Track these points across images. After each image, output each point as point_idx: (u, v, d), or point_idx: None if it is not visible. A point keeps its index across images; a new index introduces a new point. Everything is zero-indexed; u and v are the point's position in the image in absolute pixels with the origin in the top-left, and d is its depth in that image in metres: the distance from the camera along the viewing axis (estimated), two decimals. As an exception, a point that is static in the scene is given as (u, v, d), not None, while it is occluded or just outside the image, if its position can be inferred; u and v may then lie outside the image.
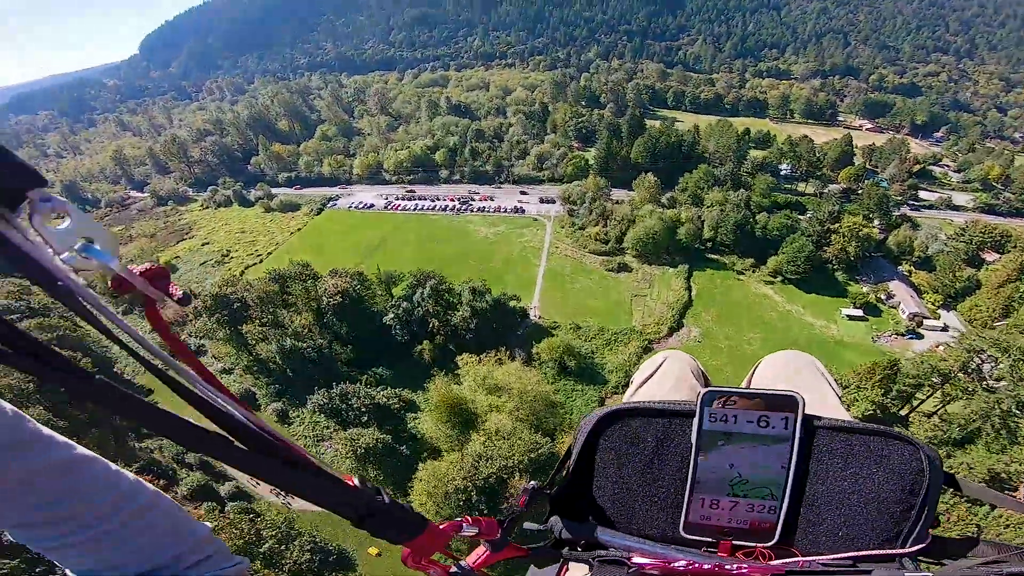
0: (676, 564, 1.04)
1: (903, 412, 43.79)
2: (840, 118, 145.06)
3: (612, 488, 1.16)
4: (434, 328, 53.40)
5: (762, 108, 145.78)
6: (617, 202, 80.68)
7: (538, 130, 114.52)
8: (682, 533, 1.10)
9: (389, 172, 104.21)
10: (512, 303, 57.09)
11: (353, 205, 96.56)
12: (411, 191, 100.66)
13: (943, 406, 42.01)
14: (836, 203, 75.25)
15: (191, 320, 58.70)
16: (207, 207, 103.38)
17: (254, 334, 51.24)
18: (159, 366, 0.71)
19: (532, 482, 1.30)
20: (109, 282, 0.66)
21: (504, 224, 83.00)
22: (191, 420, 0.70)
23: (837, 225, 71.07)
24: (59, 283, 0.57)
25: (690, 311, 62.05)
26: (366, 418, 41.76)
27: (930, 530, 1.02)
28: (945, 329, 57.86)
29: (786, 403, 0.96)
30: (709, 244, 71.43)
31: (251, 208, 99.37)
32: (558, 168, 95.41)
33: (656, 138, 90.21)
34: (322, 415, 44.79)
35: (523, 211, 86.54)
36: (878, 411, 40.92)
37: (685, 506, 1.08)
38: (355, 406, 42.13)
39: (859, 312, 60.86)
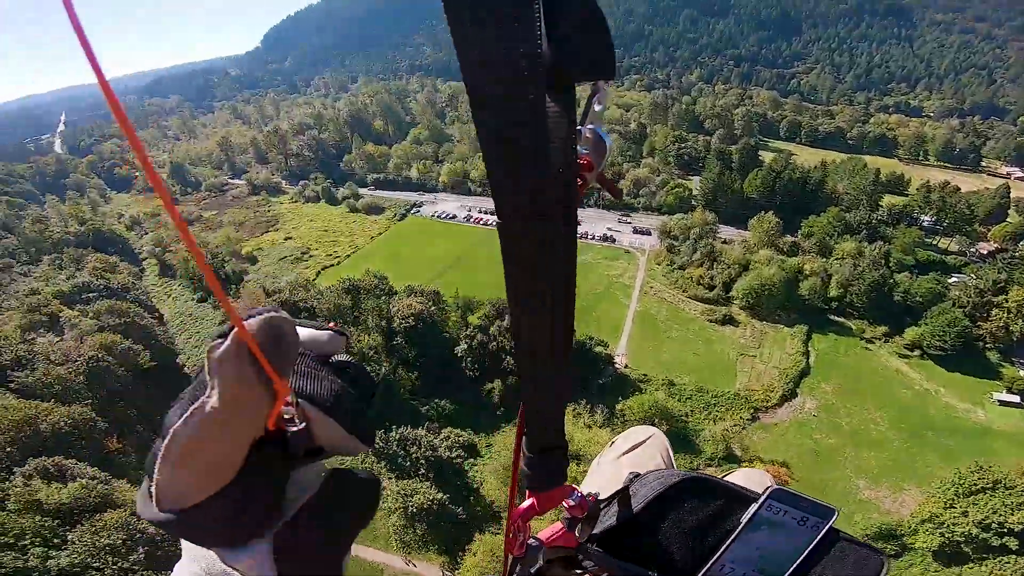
0: None
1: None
2: (983, 163, 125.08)
3: (653, 537, 1.25)
4: (508, 366, 47.70)
5: (890, 146, 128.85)
6: (726, 241, 71.47)
7: (634, 153, 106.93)
8: None
9: (475, 183, 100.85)
10: (598, 348, 50.24)
11: (436, 214, 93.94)
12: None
13: None
14: (1003, 270, 61.73)
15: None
16: (296, 201, 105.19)
17: None
18: None
19: (597, 491, 1.40)
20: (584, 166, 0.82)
21: (591, 253, 76.16)
22: None
23: (1003, 297, 57.97)
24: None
25: (806, 380, 52.56)
26: (423, 470, 36.61)
27: None
28: None
29: (826, 512, 1.11)
30: (834, 304, 60.63)
31: (337, 207, 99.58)
32: (656, 196, 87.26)
33: (777, 172, 79.70)
34: (374, 458, 40.36)
35: (614, 240, 79.30)
36: None
37: (704, 570, 1.19)
38: (413, 455, 37.11)
39: (1016, 398, 50.12)
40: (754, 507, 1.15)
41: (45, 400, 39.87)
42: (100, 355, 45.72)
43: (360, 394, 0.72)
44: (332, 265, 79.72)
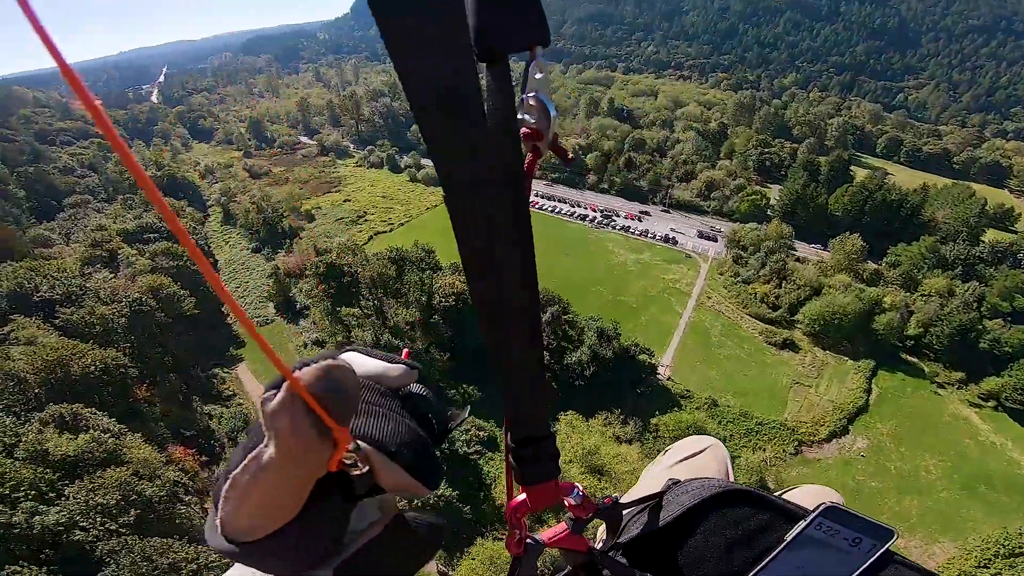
0: None
1: None
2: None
3: (686, 555, 1.20)
4: (550, 364, 45.41)
5: (1002, 176, 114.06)
6: (800, 260, 65.25)
7: (711, 153, 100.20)
8: None
9: (539, 168, 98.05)
10: (642, 356, 46.86)
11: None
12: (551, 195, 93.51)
13: None
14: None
15: (306, 274, 57.92)
16: (360, 165, 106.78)
17: (353, 318, 47.75)
18: None
19: (618, 494, 1.34)
20: (522, 132, 0.73)
21: (649, 252, 71.93)
22: None
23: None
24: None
25: (862, 417, 47.61)
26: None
27: None
28: None
29: (883, 534, 1.03)
30: (910, 343, 54.09)
31: (399, 175, 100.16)
32: (729, 201, 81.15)
33: (869, 191, 71.71)
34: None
35: (676, 242, 74.53)
36: None
37: None
38: None
39: (1091, 461, 43.20)
40: (802, 524, 1.07)
41: (85, 340, 40.49)
42: (144, 297, 46.55)
43: (429, 433, 0.70)
44: (384, 232, 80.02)
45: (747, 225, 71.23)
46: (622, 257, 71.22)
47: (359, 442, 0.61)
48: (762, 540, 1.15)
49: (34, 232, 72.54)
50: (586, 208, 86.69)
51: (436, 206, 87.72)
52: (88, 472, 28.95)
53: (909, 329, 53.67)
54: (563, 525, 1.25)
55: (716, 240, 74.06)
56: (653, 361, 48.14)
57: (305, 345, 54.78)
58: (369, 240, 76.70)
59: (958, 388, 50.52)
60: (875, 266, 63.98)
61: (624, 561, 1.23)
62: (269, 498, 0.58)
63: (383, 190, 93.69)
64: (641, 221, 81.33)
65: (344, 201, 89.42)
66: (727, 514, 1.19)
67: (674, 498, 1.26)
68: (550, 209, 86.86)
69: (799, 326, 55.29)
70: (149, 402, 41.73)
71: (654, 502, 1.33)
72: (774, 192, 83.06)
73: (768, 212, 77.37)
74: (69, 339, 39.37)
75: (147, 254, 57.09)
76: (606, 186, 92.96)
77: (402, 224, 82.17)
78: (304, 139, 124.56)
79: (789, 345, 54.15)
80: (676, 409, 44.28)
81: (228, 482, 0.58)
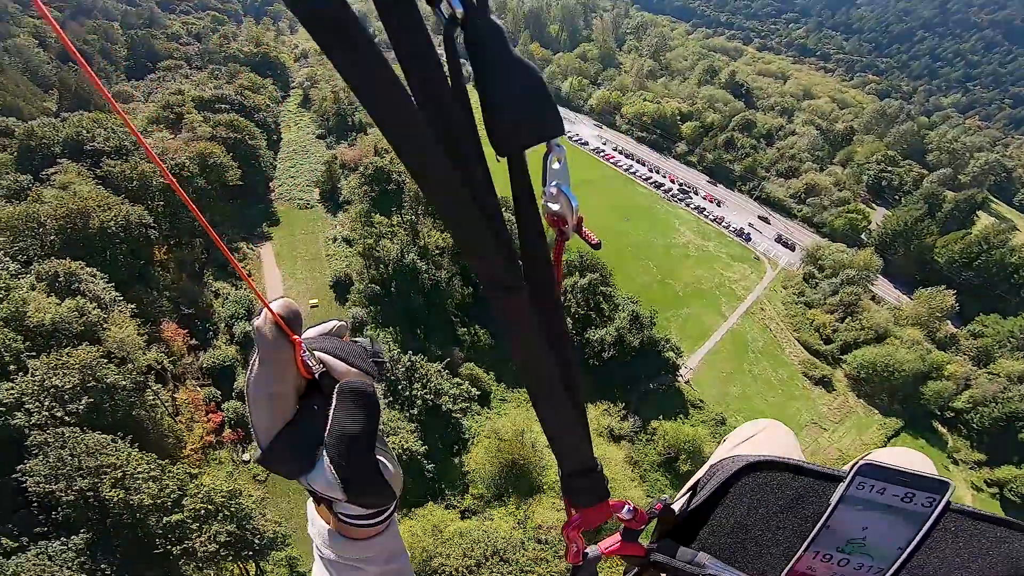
0: None
1: None
2: None
3: (732, 526, 1.22)
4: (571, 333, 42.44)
5: None
6: (876, 298, 57.13)
7: (825, 155, 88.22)
8: None
9: (624, 119, 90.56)
10: (668, 353, 42.85)
11: (569, 134, 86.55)
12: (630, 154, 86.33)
13: None
14: None
15: (358, 169, 56.87)
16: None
17: (382, 227, 46.17)
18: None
19: (666, 495, 1.39)
20: (548, 218, 0.85)
21: (716, 242, 65.43)
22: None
23: None
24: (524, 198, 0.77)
25: None
26: (416, 411, 33.47)
27: None
28: None
29: (937, 486, 0.99)
30: (949, 414, 48.36)
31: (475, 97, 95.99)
32: (825, 212, 71.58)
33: (986, 246, 60.34)
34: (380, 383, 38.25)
35: (749, 239, 67.40)
36: None
37: (796, 558, 1.11)
38: (415, 392, 33.78)
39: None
40: (841, 487, 1.04)
41: (118, 194, 40.19)
42: (188, 162, 46.01)
43: (364, 348, 0.95)
44: (446, 148, 77.54)
45: (834, 244, 62.96)
46: (686, 238, 65.36)
47: (318, 353, 0.88)
48: (806, 505, 1.14)
49: (119, 88, 75.55)
50: (664, 177, 79.77)
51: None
52: (58, 346, 27.62)
53: (957, 401, 47.96)
54: (617, 536, 1.33)
55: (794, 249, 66.33)
56: (678, 361, 44.31)
57: (334, 240, 54.54)
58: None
59: (971, 468, 46.11)
60: (954, 330, 55.40)
61: (675, 545, 1.25)
62: (269, 396, 0.83)
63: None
64: (720, 206, 74.03)
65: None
66: (764, 484, 1.19)
67: (709, 478, 1.29)
68: (626, 167, 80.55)
69: (844, 366, 50.06)
70: (164, 266, 41.50)
71: (694, 486, 1.36)
72: (878, 216, 72.49)
73: (863, 236, 67.71)
74: (105, 190, 39.31)
75: (211, 122, 57.32)
76: (695, 160, 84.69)
77: (469, 145, 79.26)
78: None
79: (825, 383, 49.04)
80: (682, 417, 40.82)
81: (246, 393, 0.84)
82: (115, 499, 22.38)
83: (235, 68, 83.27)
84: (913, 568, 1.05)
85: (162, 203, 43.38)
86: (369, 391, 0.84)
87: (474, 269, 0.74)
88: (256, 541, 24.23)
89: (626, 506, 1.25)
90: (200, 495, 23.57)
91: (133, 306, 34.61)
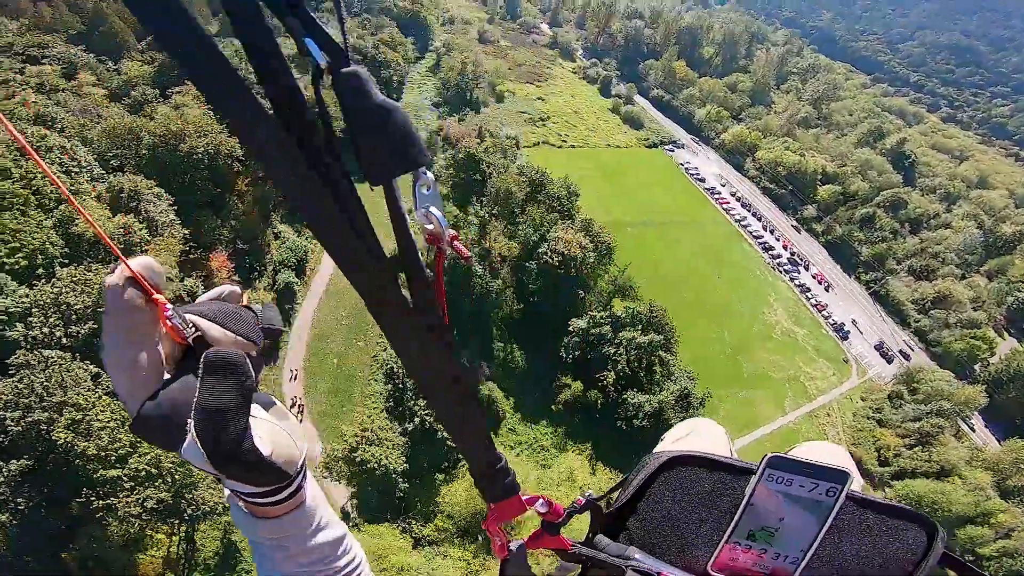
0: None
1: None
2: None
3: (659, 520, 1.26)
4: (604, 381, 36.97)
5: None
6: (959, 434, 48.36)
7: (975, 259, 72.85)
8: (710, 571, 1.20)
9: (755, 163, 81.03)
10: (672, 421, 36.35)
11: (685, 163, 79.09)
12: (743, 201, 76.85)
13: None
14: None
15: (456, 147, 54.76)
16: (576, 73, 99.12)
17: (453, 217, 43.72)
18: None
19: (590, 491, 1.42)
20: (426, 237, 0.91)
21: (808, 331, 56.10)
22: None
23: None
24: (403, 223, 0.83)
25: None
26: (411, 427, 30.89)
27: None
28: None
29: (838, 476, 1.07)
30: (970, 558, 39.47)
31: (604, 99, 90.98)
32: (945, 330, 58.65)
33: None
34: (385, 381, 35.12)
35: (847, 336, 57.41)
36: None
37: (719, 549, 1.18)
38: (414, 405, 31.36)
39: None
40: (753, 480, 1.12)
41: (222, 121, 39.47)
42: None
43: (255, 314, 0.93)
44: (553, 145, 73.57)
45: (940, 372, 51.97)
46: (776, 317, 56.61)
47: (191, 316, 0.82)
48: (724, 498, 1.21)
49: (275, 22, 78.77)
50: (778, 240, 70.07)
51: (619, 147, 77.83)
52: (87, 259, 26.92)
53: (987, 548, 39.64)
54: (539, 530, 1.38)
55: (891, 362, 55.68)
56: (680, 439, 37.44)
57: (409, 211, 52.56)
58: (533, 146, 70.89)
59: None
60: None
61: (608, 540, 1.29)
62: (128, 357, 0.77)
63: (579, 106, 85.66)
64: (828, 291, 63.51)
65: (536, 99, 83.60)
66: (686, 478, 1.25)
67: (636, 474, 1.32)
68: (738, 218, 71.78)
69: (888, 491, 42.39)
70: (241, 196, 41.24)
71: (621, 483, 1.40)
72: (1005, 347, 58.34)
73: (975, 369, 55.00)
74: (211, 117, 39.68)
75: None
76: (819, 229, 73.52)
77: (573, 147, 74.54)
78: (544, 26, 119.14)
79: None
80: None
81: (100, 354, 0.78)
82: (62, 440, 21.33)
83: (382, 21, 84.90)
84: (826, 558, 1.13)
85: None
86: (238, 360, 0.78)
87: (354, 284, 0.81)
88: (189, 510, 22.52)
89: (540, 500, 1.31)
90: (149, 457, 22.04)
91: (188, 231, 34.33)
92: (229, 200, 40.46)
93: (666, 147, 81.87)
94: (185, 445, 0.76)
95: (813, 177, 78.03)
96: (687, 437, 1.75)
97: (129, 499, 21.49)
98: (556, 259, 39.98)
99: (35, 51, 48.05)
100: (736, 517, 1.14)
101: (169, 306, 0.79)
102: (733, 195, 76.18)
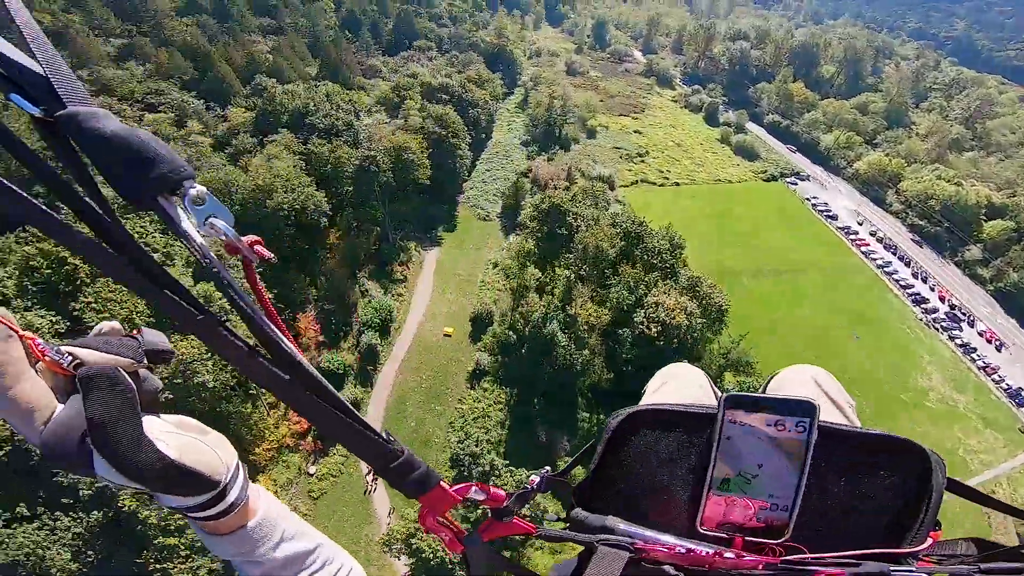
0: (677, 549, 1.12)
1: None
2: None
3: (633, 484, 1.22)
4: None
5: None
6: None
7: None
8: (699, 529, 1.15)
9: (899, 197, 68.34)
10: None
11: (811, 198, 68.37)
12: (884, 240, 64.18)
13: None
14: None
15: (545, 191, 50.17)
16: (676, 101, 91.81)
17: (536, 280, 39.59)
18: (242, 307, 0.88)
19: (546, 468, 1.41)
20: (224, 247, 0.89)
21: (973, 397, 45.86)
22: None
23: None
24: (196, 243, 0.80)
25: None
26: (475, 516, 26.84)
27: (933, 532, 1.08)
28: None
29: (803, 409, 1.01)
30: None
31: (711, 128, 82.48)
32: None
33: None
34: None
35: None
36: None
37: (703, 504, 1.13)
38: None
39: None
40: (717, 425, 1.07)
41: (312, 174, 40.30)
42: (378, 156, 44.71)
43: (137, 341, 0.94)
44: (654, 184, 66.59)
45: None
46: (930, 382, 46.03)
47: (65, 347, 0.83)
48: (694, 449, 1.16)
49: (371, 62, 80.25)
50: (933, 289, 57.43)
51: (730, 182, 69.03)
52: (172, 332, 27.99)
53: None
54: (490, 518, 1.35)
55: None
56: None
57: (494, 265, 49.70)
58: (630, 185, 64.52)
59: None
60: None
61: (584, 515, 1.24)
62: (7, 391, 0.76)
63: (683, 137, 78.01)
64: (1000, 350, 50.66)
65: (634, 132, 77.32)
66: (645, 436, 1.20)
67: (599, 439, 1.27)
68: (881, 262, 59.89)
69: None
70: (332, 251, 40.30)
71: (586, 450, 1.36)
72: None
73: None
74: (300, 169, 39.78)
75: (426, 111, 55.65)
76: (987, 275, 59.38)
77: (676, 184, 66.92)
78: (637, 54, 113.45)
79: None
80: None
81: None
82: (127, 507, 23.70)
83: (470, 57, 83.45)
84: (817, 501, 1.07)
85: (351, 189, 43.01)
86: (110, 372, 0.81)
87: (159, 309, 0.83)
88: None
89: (473, 488, 1.24)
90: None
91: (277, 290, 33.28)
92: (318, 254, 39.48)
93: (787, 180, 71.59)
94: (96, 463, 0.78)
95: (976, 210, 63.98)
96: (662, 387, 1.65)
97: (183, 566, 24.05)
98: (655, 328, 33.61)
99: (152, 98, 50.50)
100: (710, 469, 1.07)
101: (39, 340, 0.80)
102: (873, 235, 64.16)
